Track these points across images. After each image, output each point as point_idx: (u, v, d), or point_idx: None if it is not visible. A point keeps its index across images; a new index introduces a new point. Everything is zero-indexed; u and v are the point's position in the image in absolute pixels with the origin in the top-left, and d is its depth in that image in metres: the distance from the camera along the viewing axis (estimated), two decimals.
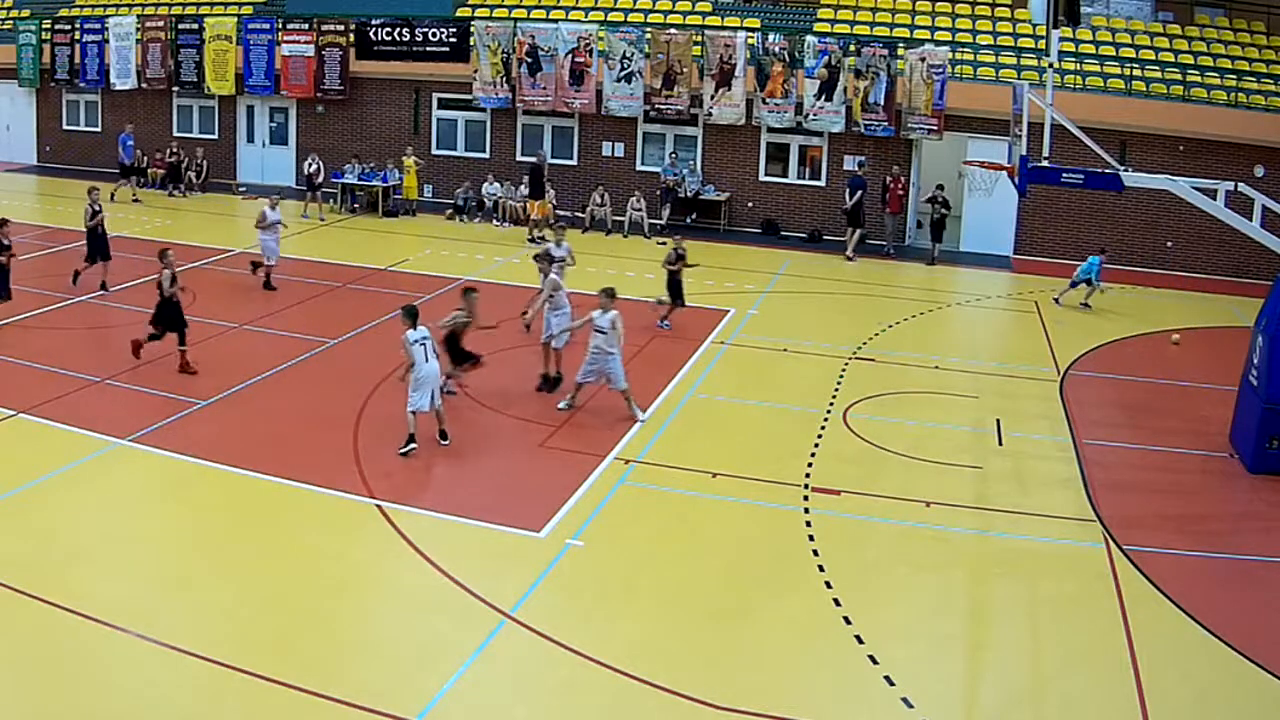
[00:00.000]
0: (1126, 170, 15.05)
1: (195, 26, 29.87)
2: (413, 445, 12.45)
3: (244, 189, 29.56)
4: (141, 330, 15.11)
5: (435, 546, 10.39)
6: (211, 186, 29.41)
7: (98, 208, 18.42)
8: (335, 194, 27.36)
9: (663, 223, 25.67)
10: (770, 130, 25.97)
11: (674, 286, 17.95)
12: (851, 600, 9.77)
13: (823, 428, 13.84)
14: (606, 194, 26.06)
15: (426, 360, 12.40)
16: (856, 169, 24.76)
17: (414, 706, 7.98)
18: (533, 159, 25.46)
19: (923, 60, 23.83)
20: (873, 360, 16.71)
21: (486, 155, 28.23)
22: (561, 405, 14.00)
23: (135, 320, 16.53)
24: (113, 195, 26.90)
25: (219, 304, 18.38)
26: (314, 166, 26.41)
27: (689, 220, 26.24)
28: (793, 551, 10.69)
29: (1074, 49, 24.43)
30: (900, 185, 24.63)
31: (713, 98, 25.61)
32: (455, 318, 13.55)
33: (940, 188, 23.70)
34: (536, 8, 28.95)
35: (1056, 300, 20.82)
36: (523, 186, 26.26)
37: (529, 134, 27.91)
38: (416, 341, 12.37)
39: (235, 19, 29.76)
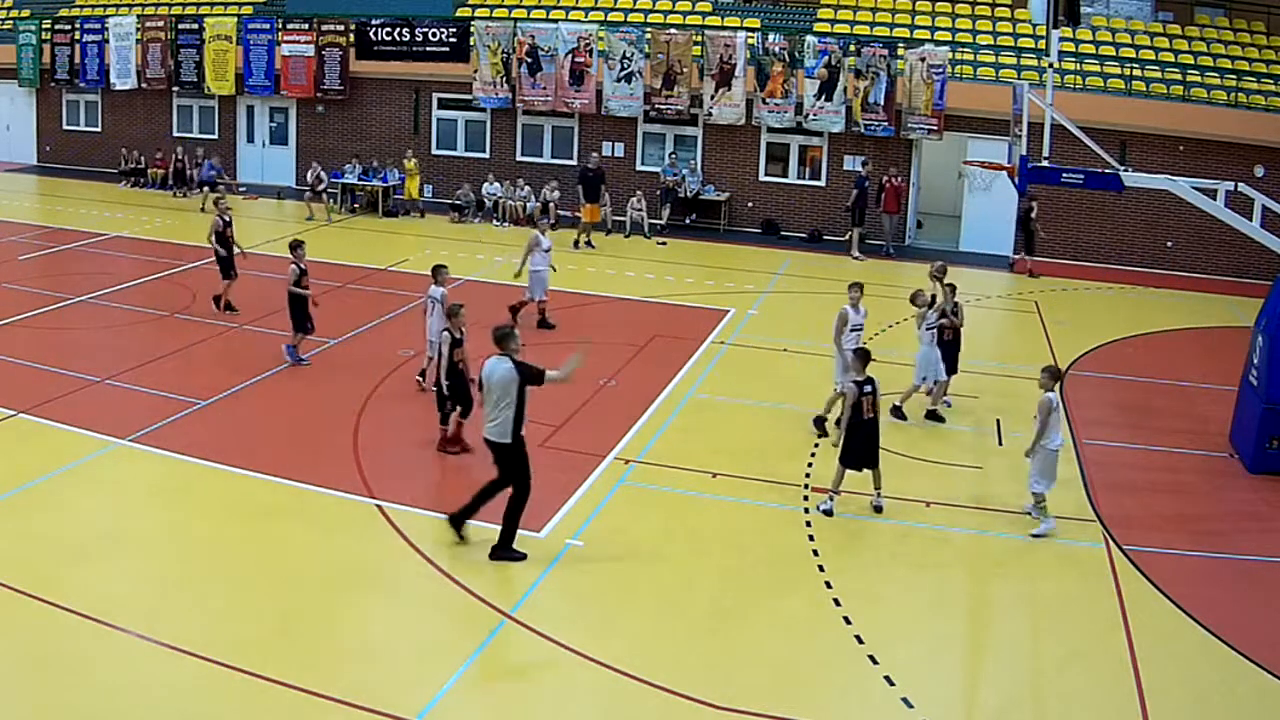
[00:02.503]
0: (1126, 170, 15.05)
1: (195, 26, 29.84)
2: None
3: (244, 189, 29.53)
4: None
5: (435, 546, 10.40)
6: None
7: (227, 219, 17.73)
8: (335, 194, 27.35)
9: (662, 223, 25.67)
10: (770, 130, 25.95)
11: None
12: (851, 600, 9.77)
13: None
14: (607, 194, 26.04)
15: (430, 313, 13.97)
16: (860, 169, 24.75)
17: (414, 706, 7.98)
18: (586, 164, 25.15)
19: (923, 60, 23.81)
20: (873, 360, 16.66)
21: (486, 155, 28.22)
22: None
23: (134, 320, 16.56)
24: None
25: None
26: (315, 174, 26.42)
27: (689, 220, 26.26)
28: (792, 551, 10.69)
29: (1074, 49, 24.40)
30: (900, 185, 24.61)
31: (713, 98, 25.59)
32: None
33: (1034, 200, 22.79)
34: (536, 8, 28.92)
35: None
36: (540, 189, 26.38)
37: (529, 134, 27.89)
38: (434, 299, 13.94)
39: (235, 19, 29.73)
